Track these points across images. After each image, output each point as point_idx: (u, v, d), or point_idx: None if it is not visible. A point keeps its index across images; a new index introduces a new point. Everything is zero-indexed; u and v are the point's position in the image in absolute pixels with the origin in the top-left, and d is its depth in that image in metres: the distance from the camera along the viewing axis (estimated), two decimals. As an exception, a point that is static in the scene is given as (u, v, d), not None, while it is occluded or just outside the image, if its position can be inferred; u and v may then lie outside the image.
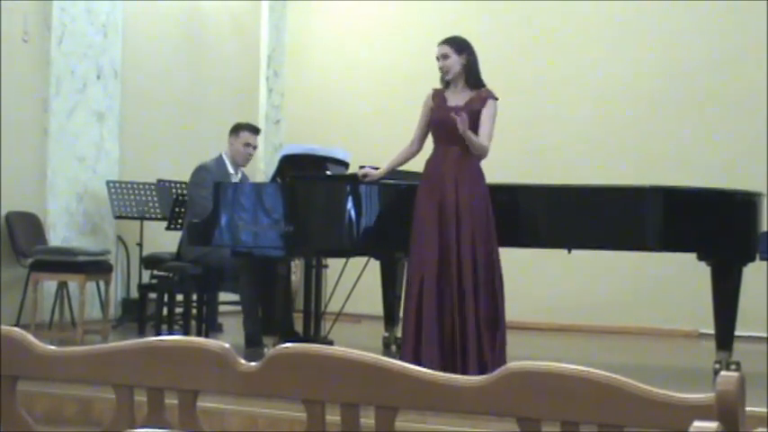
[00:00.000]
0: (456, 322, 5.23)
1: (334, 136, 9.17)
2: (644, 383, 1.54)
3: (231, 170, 6.82)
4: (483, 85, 5.50)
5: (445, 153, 5.41)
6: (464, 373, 4.96)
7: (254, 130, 6.91)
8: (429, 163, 5.49)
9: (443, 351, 5.23)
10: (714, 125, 8.50)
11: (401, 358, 5.02)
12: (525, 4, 9.15)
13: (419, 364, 1.86)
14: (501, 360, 5.21)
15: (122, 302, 8.26)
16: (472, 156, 5.39)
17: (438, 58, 5.50)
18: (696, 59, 8.59)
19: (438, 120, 5.47)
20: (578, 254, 5.96)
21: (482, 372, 4.99)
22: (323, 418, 1.71)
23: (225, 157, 6.86)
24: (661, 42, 8.76)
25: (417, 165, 5.62)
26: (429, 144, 5.62)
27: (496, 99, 5.46)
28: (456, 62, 5.45)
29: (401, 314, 5.64)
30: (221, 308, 7.79)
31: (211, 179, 6.52)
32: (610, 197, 5.83)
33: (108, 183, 7.99)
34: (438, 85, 5.58)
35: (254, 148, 6.91)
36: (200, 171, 6.73)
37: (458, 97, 5.48)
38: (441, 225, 5.32)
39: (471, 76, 5.48)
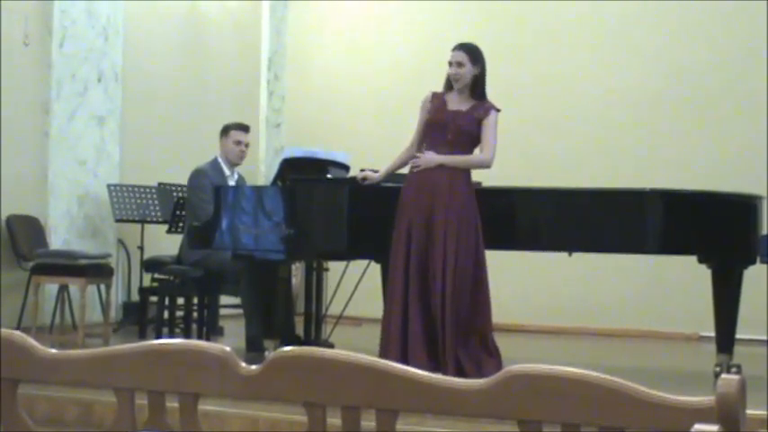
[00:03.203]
0: (438, 328, 5.23)
1: (335, 139, 9.17)
2: (644, 386, 1.54)
3: (227, 172, 6.85)
4: (486, 97, 5.50)
5: None
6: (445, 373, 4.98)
7: (243, 128, 6.96)
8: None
9: (430, 360, 5.22)
10: (714, 128, 8.50)
11: (383, 355, 5.02)
12: (525, 5, 9.15)
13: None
14: (498, 365, 5.23)
15: (123, 306, 8.26)
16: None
17: (451, 64, 5.47)
18: (696, 62, 8.59)
19: (436, 122, 5.45)
20: (579, 257, 5.96)
21: (460, 375, 5.00)
22: (324, 420, 1.71)
23: (220, 159, 6.89)
24: (661, 45, 8.76)
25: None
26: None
27: (498, 111, 5.46)
28: (469, 72, 5.42)
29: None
30: (222, 311, 7.79)
31: (209, 182, 6.55)
32: (610, 200, 5.83)
33: (109, 186, 7.99)
34: (439, 88, 5.56)
35: (246, 145, 6.94)
36: (198, 175, 6.75)
37: (460, 103, 5.46)
38: (428, 232, 5.30)
39: (479, 87, 5.46)
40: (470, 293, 5.31)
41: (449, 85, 5.50)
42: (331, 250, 6.10)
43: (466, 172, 5.45)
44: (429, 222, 5.31)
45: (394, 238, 5.38)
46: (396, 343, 5.26)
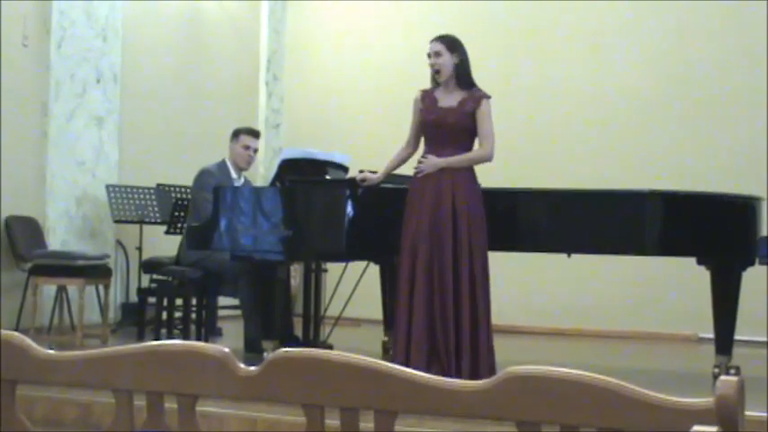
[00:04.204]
0: (450, 327, 5.23)
1: (334, 140, 9.17)
2: (643, 387, 1.54)
3: (234, 175, 6.83)
4: (474, 85, 5.49)
5: (439, 157, 5.40)
6: (458, 374, 4.99)
7: (254, 133, 6.95)
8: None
9: (430, 359, 5.23)
10: (714, 129, 8.50)
11: (393, 361, 5.03)
12: (523, 5, 9.16)
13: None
14: (492, 364, 5.25)
15: (122, 307, 8.25)
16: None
17: (429, 56, 5.48)
18: (696, 62, 8.59)
19: (430, 122, 5.44)
20: (578, 258, 5.96)
21: (474, 374, 5.01)
22: (322, 422, 1.71)
23: (228, 162, 6.88)
24: (661, 45, 8.76)
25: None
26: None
27: (489, 97, 5.45)
28: (448, 61, 5.42)
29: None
30: (221, 312, 7.79)
31: (215, 183, 6.53)
32: (609, 201, 5.83)
33: (107, 187, 7.99)
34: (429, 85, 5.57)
35: (255, 150, 6.93)
36: (204, 175, 6.74)
37: (449, 98, 5.45)
38: (433, 232, 5.30)
39: (463, 75, 5.45)
40: (479, 291, 5.30)
41: (435, 81, 5.50)
42: (330, 251, 6.09)
43: (470, 171, 5.44)
44: (435, 228, 5.30)
45: (401, 246, 5.38)
46: (401, 348, 5.27)
